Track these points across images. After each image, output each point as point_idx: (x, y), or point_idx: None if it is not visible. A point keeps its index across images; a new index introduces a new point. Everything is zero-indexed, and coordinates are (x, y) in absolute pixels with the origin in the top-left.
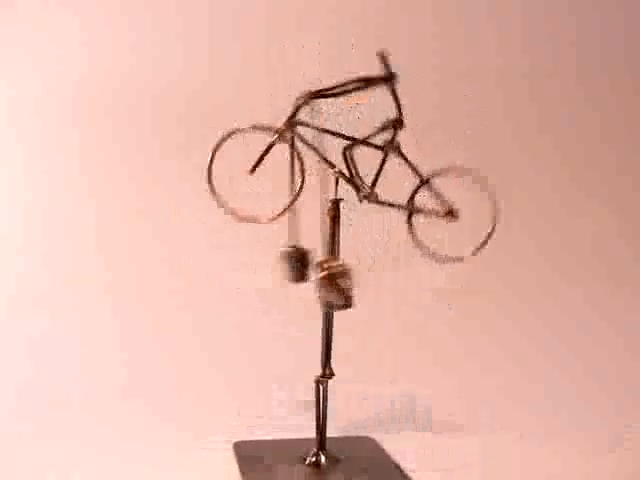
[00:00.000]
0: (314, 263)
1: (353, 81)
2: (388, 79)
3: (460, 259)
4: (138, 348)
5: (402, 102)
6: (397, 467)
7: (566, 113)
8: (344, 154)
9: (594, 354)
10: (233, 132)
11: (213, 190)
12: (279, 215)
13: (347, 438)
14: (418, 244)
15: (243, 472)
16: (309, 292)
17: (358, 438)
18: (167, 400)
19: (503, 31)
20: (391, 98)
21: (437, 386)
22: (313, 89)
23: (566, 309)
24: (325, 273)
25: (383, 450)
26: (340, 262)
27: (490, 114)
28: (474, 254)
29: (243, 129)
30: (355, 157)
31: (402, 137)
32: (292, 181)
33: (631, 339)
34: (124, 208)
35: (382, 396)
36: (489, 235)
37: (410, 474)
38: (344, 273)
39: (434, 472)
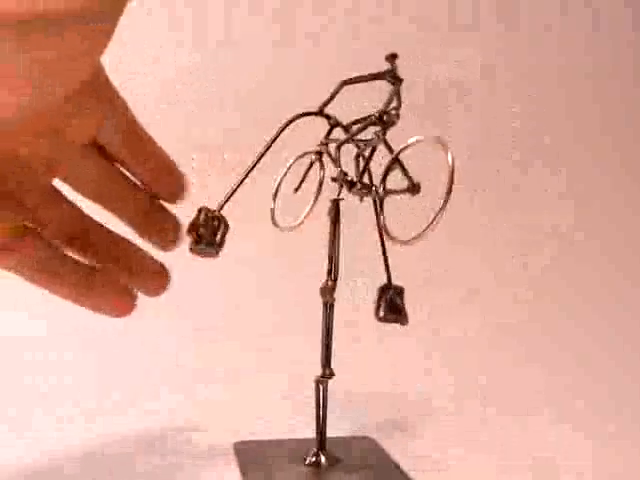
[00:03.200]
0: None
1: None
2: (397, 80)
3: (406, 242)
4: (138, 348)
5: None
6: (397, 467)
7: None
8: (337, 151)
9: None
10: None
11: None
12: (300, 224)
13: (347, 438)
14: (385, 229)
15: (243, 472)
16: (309, 292)
17: (358, 438)
18: (167, 400)
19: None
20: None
21: (438, 385)
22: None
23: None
24: None
25: (383, 450)
26: None
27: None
28: (417, 238)
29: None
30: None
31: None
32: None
33: None
34: None
35: (382, 396)
36: (437, 215)
37: (410, 474)
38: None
39: (434, 472)
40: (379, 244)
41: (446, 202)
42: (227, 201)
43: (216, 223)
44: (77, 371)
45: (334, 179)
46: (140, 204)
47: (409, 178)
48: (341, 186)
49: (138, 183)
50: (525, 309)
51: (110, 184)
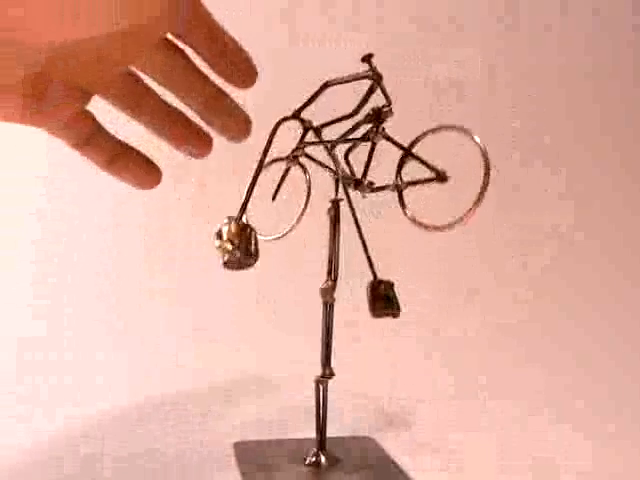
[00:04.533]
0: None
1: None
2: (376, 80)
3: (450, 226)
4: (138, 348)
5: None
6: (397, 467)
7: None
8: (346, 157)
9: None
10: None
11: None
12: (288, 232)
13: (347, 438)
14: (413, 221)
15: (243, 472)
16: (309, 292)
17: (358, 438)
18: (167, 400)
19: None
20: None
21: (438, 385)
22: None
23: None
24: None
25: (383, 450)
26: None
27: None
28: (463, 220)
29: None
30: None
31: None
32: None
33: None
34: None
35: (382, 396)
36: (480, 195)
37: (410, 473)
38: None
39: (434, 472)
40: (363, 241)
41: (486, 185)
42: (244, 211)
43: (249, 231)
44: (77, 371)
45: (337, 180)
46: (207, 92)
47: (432, 168)
48: (344, 186)
49: (206, 74)
50: (525, 309)
51: (179, 73)
